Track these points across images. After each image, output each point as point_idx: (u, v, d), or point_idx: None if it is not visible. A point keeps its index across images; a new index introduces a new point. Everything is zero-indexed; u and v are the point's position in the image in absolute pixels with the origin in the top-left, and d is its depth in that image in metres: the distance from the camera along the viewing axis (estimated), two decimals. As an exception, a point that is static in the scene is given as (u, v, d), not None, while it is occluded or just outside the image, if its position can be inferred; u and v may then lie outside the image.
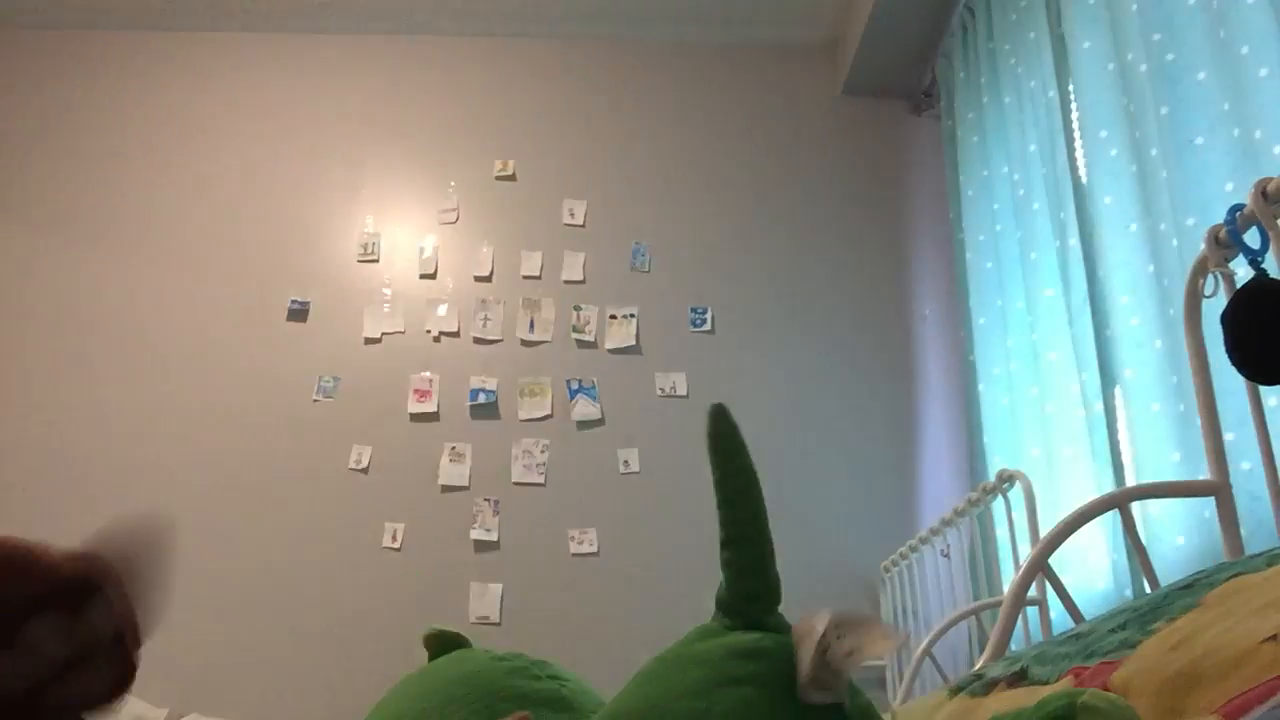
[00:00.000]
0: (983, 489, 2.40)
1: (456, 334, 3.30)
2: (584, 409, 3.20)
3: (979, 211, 2.89)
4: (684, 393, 3.23)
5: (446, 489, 3.10)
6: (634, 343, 3.29)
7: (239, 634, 2.92)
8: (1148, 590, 1.56)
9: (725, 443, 0.75)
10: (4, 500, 3.06)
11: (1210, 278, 1.47)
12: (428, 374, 3.23)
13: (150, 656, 3.03)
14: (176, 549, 3.00)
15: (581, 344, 3.28)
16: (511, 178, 3.51)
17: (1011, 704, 0.88)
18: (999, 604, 1.71)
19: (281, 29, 3.67)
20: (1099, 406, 2.14)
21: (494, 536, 3.05)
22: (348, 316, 3.31)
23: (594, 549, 3.04)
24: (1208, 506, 1.58)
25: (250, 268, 3.36)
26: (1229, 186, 1.71)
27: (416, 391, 3.21)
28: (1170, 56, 1.89)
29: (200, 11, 3.63)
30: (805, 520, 3.07)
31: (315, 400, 3.20)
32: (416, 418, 3.18)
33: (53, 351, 3.24)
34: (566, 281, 3.36)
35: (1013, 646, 1.52)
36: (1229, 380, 1.47)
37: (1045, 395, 2.35)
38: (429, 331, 3.29)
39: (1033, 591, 1.92)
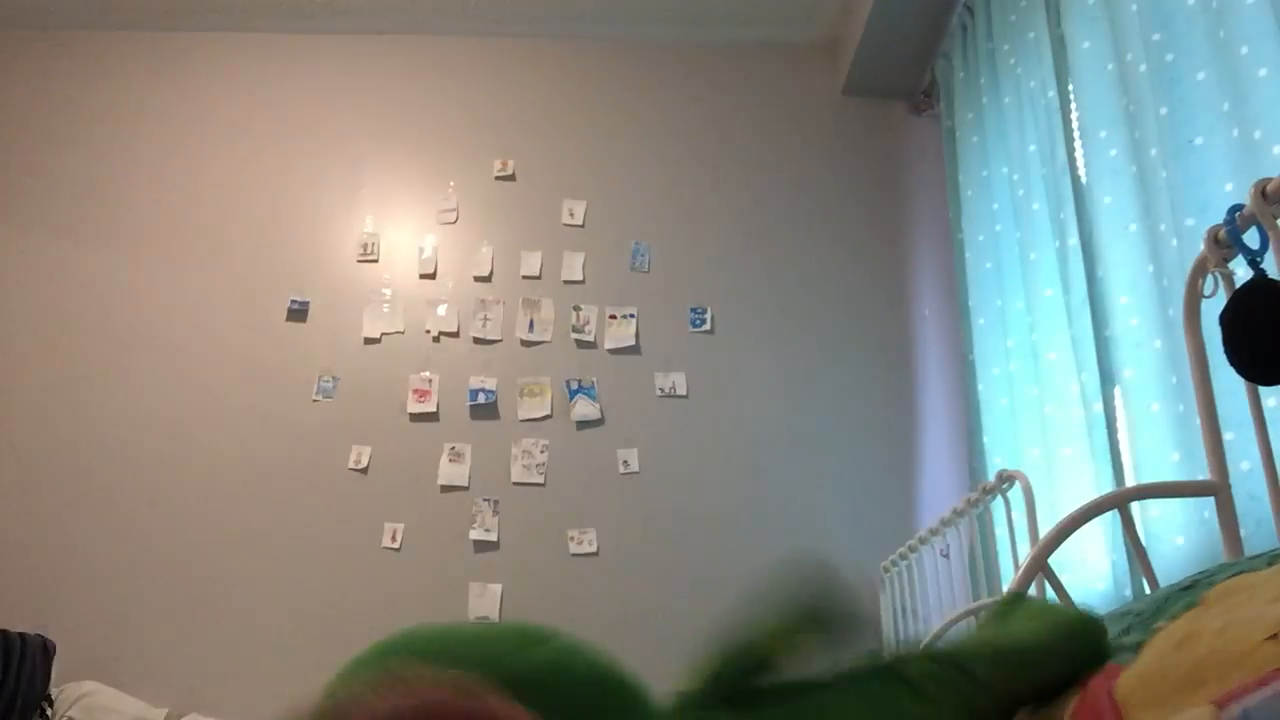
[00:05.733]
0: (982, 489, 2.40)
1: (456, 334, 3.29)
2: (583, 409, 3.20)
3: (978, 212, 2.89)
4: (684, 393, 3.23)
5: (446, 489, 3.10)
6: (633, 343, 3.29)
7: (239, 634, 2.92)
8: (1147, 590, 1.56)
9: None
10: (2, 501, 3.06)
11: (1210, 278, 1.47)
12: (427, 374, 3.23)
13: (150, 656, 3.04)
14: (176, 549, 2.99)
15: (581, 344, 3.28)
16: (511, 178, 3.51)
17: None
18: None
19: (281, 29, 3.67)
20: (1098, 407, 2.14)
21: (494, 537, 3.05)
22: (347, 316, 3.31)
23: (593, 549, 3.04)
24: (1207, 507, 1.58)
25: (250, 267, 3.36)
26: (1228, 187, 1.71)
27: (416, 391, 3.21)
28: (1170, 57, 1.89)
29: (200, 11, 3.63)
30: (805, 520, 3.07)
31: (315, 400, 3.20)
32: (416, 418, 3.18)
33: (52, 351, 3.24)
34: (566, 281, 3.36)
35: (1012, 646, 1.51)
36: (1228, 380, 1.47)
37: (1045, 395, 2.35)
38: (428, 331, 3.29)
39: (1032, 591, 1.92)
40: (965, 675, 0.80)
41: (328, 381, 3.22)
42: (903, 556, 2.80)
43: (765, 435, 3.19)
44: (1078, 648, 0.84)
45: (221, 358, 3.24)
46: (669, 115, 3.60)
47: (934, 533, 2.63)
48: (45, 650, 2.67)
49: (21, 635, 2.61)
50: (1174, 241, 1.80)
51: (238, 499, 3.08)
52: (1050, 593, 1.59)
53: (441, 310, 3.32)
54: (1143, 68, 1.98)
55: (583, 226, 3.44)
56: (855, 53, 3.44)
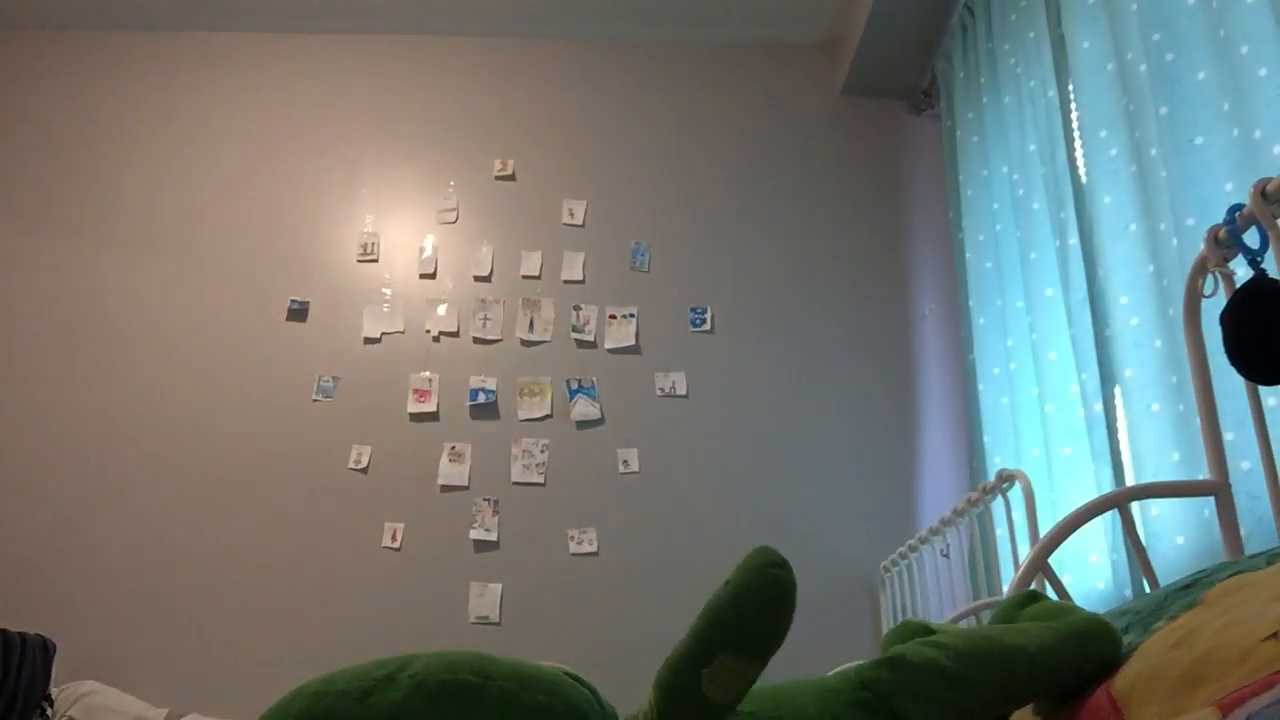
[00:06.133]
0: (982, 489, 2.40)
1: (456, 334, 3.30)
2: (583, 409, 3.20)
3: (978, 211, 2.89)
4: (684, 392, 3.23)
5: (446, 489, 3.10)
6: (633, 342, 3.29)
7: (239, 634, 2.92)
8: (1147, 590, 1.56)
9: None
10: (3, 501, 3.06)
11: (1210, 277, 1.47)
12: (427, 374, 3.23)
13: (150, 656, 3.05)
14: (177, 549, 3.00)
15: (581, 344, 3.28)
16: (511, 177, 3.51)
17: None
18: (998, 604, 1.70)
19: (281, 29, 3.68)
20: (1098, 406, 2.14)
21: (494, 536, 3.05)
22: (347, 316, 3.31)
23: (594, 549, 3.04)
24: (1207, 506, 1.58)
25: (250, 267, 3.36)
26: (1228, 186, 1.71)
27: (416, 391, 3.21)
28: (1170, 56, 1.89)
29: (200, 11, 3.63)
30: (805, 520, 3.07)
31: (315, 400, 3.20)
32: (416, 418, 3.18)
33: (52, 352, 3.24)
34: (566, 281, 3.36)
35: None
36: (1228, 380, 1.47)
37: (1045, 395, 2.35)
38: (428, 331, 3.29)
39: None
40: (957, 686, 0.76)
41: (328, 381, 3.22)
42: (903, 556, 2.80)
43: (765, 435, 3.19)
44: (1088, 656, 0.82)
45: (222, 358, 3.24)
46: (669, 115, 3.60)
47: (934, 532, 2.63)
48: (45, 650, 2.67)
49: (21, 635, 2.61)
50: (1174, 241, 1.80)
51: (238, 498, 3.08)
52: (1050, 593, 1.59)
53: (441, 310, 3.32)
54: (1143, 67, 1.98)
55: (583, 226, 3.44)
56: (855, 53, 3.44)
